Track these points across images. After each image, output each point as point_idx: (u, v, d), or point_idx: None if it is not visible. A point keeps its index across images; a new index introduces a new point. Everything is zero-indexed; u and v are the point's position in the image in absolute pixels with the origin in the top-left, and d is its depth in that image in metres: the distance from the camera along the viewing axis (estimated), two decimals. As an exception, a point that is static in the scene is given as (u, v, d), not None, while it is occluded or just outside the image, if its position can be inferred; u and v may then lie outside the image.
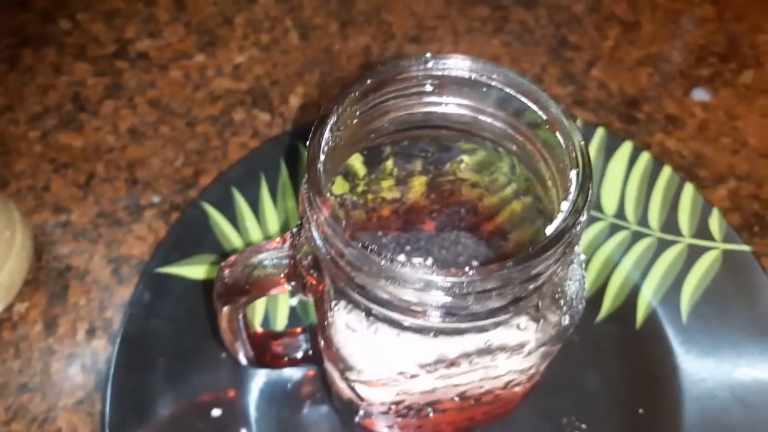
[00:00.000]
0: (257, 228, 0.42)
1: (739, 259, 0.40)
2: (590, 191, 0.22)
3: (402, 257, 0.37)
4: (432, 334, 0.23)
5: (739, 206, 0.45)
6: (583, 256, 0.27)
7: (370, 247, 0.21)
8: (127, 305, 0.39)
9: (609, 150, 0.44)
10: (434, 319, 0.22)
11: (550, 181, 0.26)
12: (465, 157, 0.33)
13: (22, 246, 0.42)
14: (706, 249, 0.41)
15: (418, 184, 0.34)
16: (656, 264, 0.41)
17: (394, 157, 0.32)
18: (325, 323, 0.25)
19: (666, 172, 0.43)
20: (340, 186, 0.33)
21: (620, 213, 0.43)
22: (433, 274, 0.20)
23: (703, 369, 0.38)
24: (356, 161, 0.31)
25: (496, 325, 0.23)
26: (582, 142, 0.23)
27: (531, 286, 0.22)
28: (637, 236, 0.42)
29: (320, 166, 0.23)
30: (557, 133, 0.24)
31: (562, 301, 0.25)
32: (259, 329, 0.33)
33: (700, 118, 0.50)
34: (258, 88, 0.51)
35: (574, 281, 0.25)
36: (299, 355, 0.34)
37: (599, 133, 0.45)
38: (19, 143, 0.49)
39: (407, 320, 0.22)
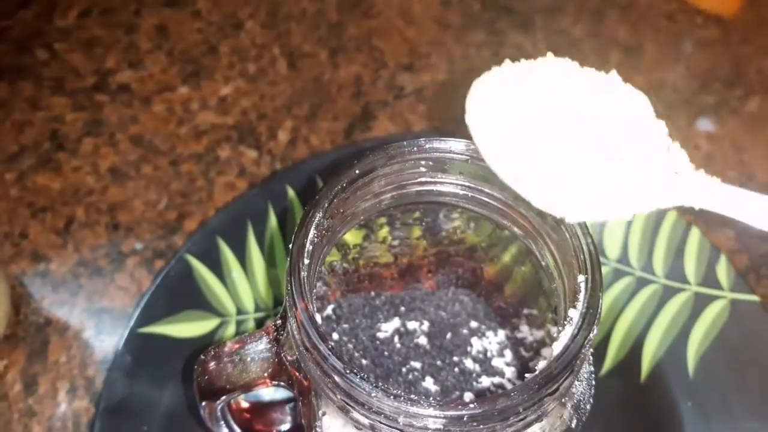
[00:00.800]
0: (244, 280, 0.41)
1: (747, 309, 0.39)
2: (600, 302, 0.20)
3: (397, 321, 0.35)
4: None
5: (747, 247, 0.44)
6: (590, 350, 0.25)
7: (360, 374, 0.19)
8: (108, 369, 0.37)
9: (611, 191, 0.43)
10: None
11: (556, 272, 0.24)
12: (461, 223, 0.31)
13: (-2, 302, 0.40)
14: (714, 298, 0.39)
15: (414, 249, 0.33)
16: (661, 313, 0.40)
17: (389, 227, 0.30)
18: (313, 430, 0.23)
19: (671, 215, 0.42)
20: (331, 255, 0.31)
21: (624, 258, 0.41)
22: (429, 409, 0.18)
23: (710, 425, 0.36)
24: (347, 234, 0.30)
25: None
26: (592, 246, 0.21)
27: (536, 407, 0.20)
28: (641, 283, 0.41)
29: (304, 273, 0.21)
30: (562, 227, 0.22)
31: (569, 405, 0.23)
32: (244, 404, 0.32)
33: (705, 150, 0.48)
34: (245, 123, 0.49)
35: (581, 381, 0.24)
36: (286, 427, 0.33)
37: (601, 173, 0.43)
38: (-6, 186, 0.47)
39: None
